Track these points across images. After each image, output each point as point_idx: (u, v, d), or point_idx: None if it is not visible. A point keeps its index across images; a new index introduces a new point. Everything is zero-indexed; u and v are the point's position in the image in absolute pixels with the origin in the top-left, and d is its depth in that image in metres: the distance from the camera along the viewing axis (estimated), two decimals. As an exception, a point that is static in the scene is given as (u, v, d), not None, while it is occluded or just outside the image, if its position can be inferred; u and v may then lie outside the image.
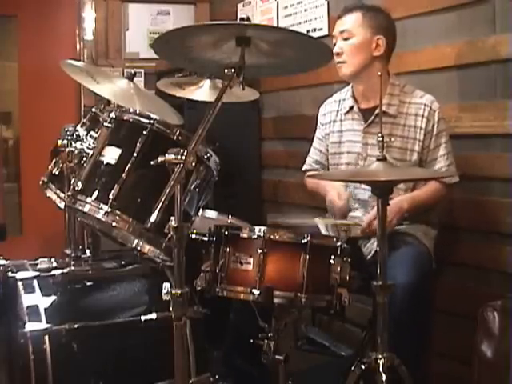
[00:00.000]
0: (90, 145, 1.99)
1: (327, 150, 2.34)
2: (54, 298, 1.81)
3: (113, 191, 1.72)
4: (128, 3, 3.96)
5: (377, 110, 2.09)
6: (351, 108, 2.25)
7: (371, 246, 2.11)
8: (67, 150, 2.02)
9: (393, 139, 2.09)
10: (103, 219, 1.73)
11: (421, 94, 2.16)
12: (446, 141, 2.12)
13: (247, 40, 1.52)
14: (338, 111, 2.31)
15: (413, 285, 1.86)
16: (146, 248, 1.92)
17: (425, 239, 2.12)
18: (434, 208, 2.19)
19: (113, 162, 1.78)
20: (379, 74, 1.76)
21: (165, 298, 1.42)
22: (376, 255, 1.75)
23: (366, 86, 2.19)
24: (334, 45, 2.18)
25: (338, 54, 2.15)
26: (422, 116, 2.11)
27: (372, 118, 2.16)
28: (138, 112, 1.85)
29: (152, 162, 1.40)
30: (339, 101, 2.33)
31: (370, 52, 2.13)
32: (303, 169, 2.46)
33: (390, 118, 2.13)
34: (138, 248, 1.96)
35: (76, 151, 2.01)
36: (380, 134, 1.59)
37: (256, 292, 1.56)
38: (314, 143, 2.42)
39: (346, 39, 2.14)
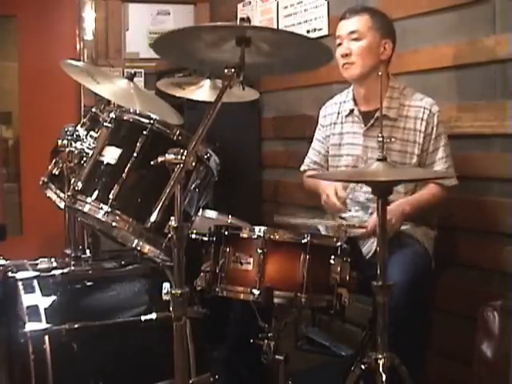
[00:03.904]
0: (90, 145, 2.00)
1: (327, 152, 2.34)
2: (54, 297, 1.81)
3: (113, 191, 1.72)
4: (128, 3, 3.97)
5: (377, 113, 2.08)
6: (352, 111, 2.24)
7: (371, 246, 2.11)
8: (67, 149, 2.02)
9: (393, 140, 2.09)
10: (103, 219, 1.73)
11: (420, 96, 2.15)
12: (444, 144, 2.11)
13: (247, 40, 1.52)
14: (338, 113, 2.30)
15: (410, 284, 1.85)
16: (146, 248, 1.92)
17: (424, 240, 2.12)
18: (432, 210, 2.18)
19: (113, 162, 1.78)
20: (379, 73, 1.75)
21: (165, 298, 1.42)
22: (376, 255, 1.75)
23: (368, 88, 2.17)
24: (339, 45, 2.15)
25: (346, 54, 2.12)
26: (422, 119, 2.10)
27: (372, 121, 2.15)
28: (138, 112, 1.85)
29: (152, 162, 1.40)
30: (339, 103, 2.32)
31: (378, 55, 2.13)
32: (301, 169, 2.46)
33: (390, 121, 2.13)
34: (138, 248, 1.96)
35: (76, 151, 2.01)
36: (380, 135, 1.59)
37: (256, 292, 1.57)
38: (313, 144, 2.42)
39: (355, 40, 2.11)
